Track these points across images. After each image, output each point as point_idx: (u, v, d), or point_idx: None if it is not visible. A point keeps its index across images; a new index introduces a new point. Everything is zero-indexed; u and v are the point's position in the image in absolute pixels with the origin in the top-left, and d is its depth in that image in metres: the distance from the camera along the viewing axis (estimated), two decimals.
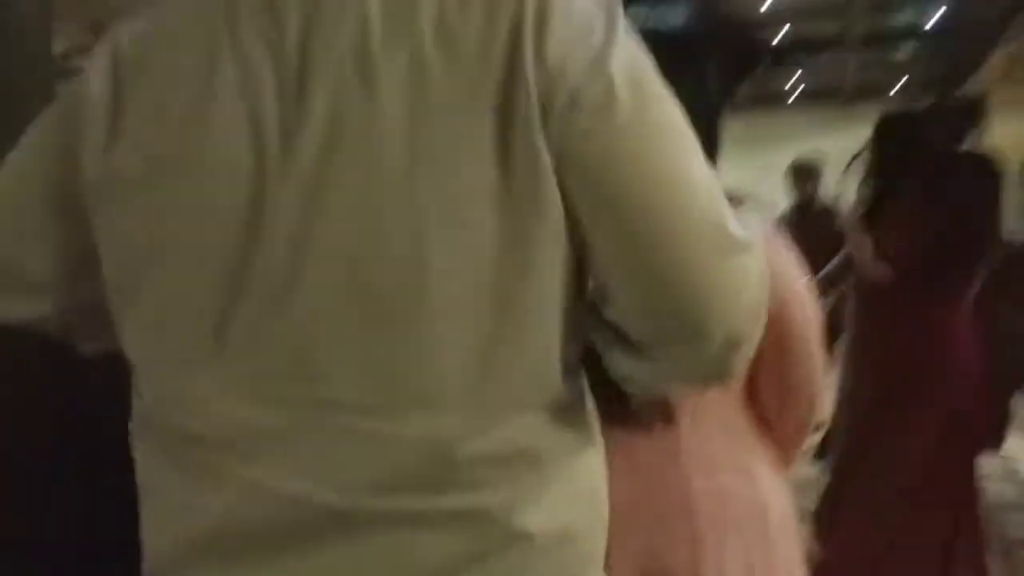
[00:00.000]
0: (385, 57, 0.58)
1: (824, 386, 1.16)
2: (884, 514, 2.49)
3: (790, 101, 9.02)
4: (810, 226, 4.04)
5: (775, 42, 6.57)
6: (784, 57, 6.85)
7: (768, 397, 1.10)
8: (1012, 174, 7.06)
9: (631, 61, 0.61)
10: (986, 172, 2.99)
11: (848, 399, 2.72)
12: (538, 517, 0.63)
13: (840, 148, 10.11)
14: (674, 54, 0.92)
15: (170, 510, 0.66)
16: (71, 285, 0.70)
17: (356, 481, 0.61)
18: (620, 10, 0.63)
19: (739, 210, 0.70)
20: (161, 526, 0.67)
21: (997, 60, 7.28)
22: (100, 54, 0.65)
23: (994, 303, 3.00)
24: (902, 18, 6.01)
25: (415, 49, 0.58)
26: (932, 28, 6.13)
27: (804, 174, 4.89)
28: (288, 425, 0.61)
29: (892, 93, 8.53)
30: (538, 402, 0.63)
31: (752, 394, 1.09)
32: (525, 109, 0.57)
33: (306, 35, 0.60)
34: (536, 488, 0.64)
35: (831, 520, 2.57)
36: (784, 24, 6.27)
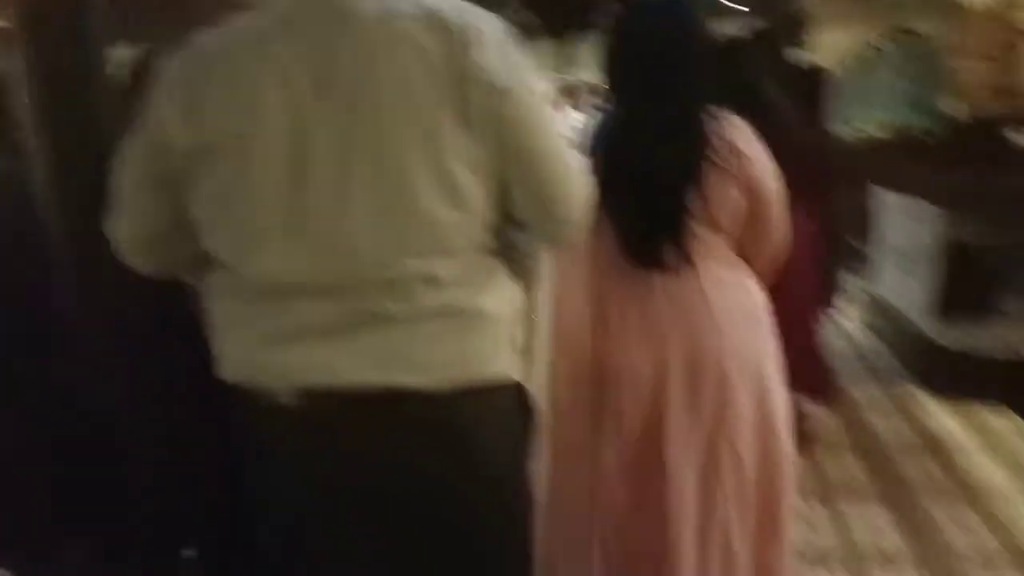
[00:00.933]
0: (387, 58, 1.03)
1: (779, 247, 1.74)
2: None
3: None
4: None
5: None
6: None
7: (750, 241, 1.65)
8: (831, 80, 7.54)
9: (520, 66, 1.08)
10: (788, 85, 3.45)
11: None
12: (488, 304, 1.12)
13: None
14: None
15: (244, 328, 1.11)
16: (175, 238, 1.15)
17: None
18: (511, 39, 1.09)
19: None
20: (237, 342, 1.12)
21: None
22: (168, 68, 1.09)
23: (823, 191, 3.42)
24: None
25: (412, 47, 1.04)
26: None
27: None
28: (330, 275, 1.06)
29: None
30: (471, 247, 1.11)
31: (740, 239, 1.63)
32: (474, 90, 1.04)
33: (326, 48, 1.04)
34: (479, 292, 1.12)
35: None
36: None
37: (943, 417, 3.50)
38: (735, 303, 1.62)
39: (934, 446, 3.21)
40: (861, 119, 10.77)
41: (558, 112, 1.65)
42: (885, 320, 4.65)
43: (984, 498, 2.75)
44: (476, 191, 1.07)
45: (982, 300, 4.06)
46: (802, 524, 2.65)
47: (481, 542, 1.17)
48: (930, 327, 3.95)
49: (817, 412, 3.22)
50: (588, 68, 8.56)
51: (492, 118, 1.05)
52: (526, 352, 1.59)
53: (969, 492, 2.81)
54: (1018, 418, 3.38)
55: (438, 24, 1.03)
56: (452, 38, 1.03)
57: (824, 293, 3.40)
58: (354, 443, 1.09)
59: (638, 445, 1.57)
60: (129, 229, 1.15)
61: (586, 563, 1.61)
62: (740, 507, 1.58)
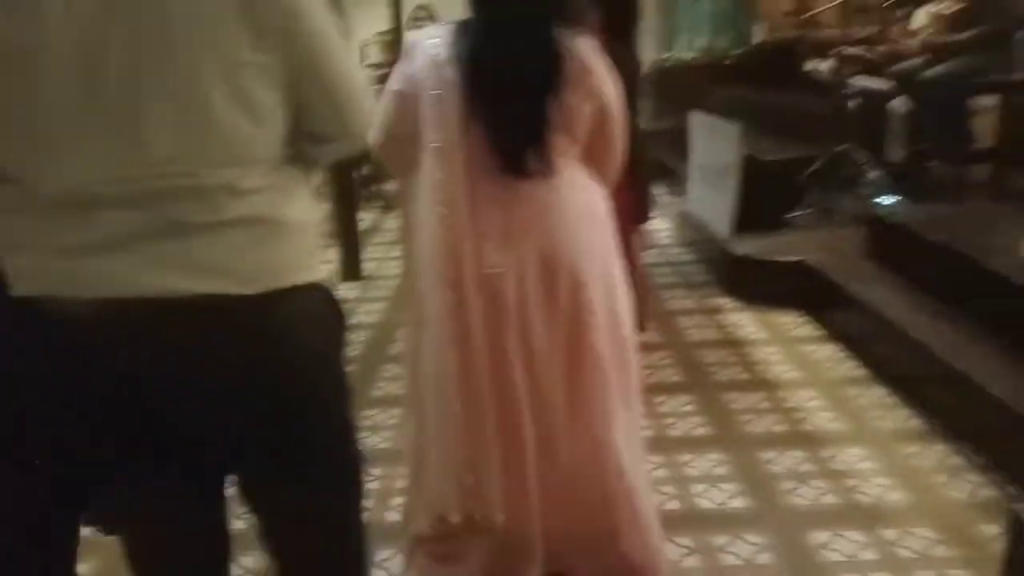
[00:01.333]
0: None
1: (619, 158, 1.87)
2: None
3: None
4: None
5: None
6: None
7: (598, 150, 1.78)
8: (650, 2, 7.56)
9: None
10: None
11: None
12: (291, 213, 1.18)
13: None
14: None
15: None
16: None
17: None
18: None
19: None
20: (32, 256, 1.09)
21: None
22: None
23: (633, 115, 3.59)
24: None
25: None
26: None
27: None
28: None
29: None
30: (271, 158, 1.16)
31: (587, 150, 1.76)
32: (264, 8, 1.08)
33: None
34: (282, 202, 1.17)
35: None
36: None
37: (741, 318, 3.89)
38: (587, 207, 1.77)
39: (733, 344, 3.57)
40: (678, 43, 11.30)
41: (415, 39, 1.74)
42: (695, 233, 5.02)
43: (773, 387, 3.12)
44: (272, 104, 1.13)
45: (774, 213, 4.49)
46: None
47: (303, 440, 1.22)
48: (729, 238, 4.33)
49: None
50: None
51: (284, 36, 1.10)
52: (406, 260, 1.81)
53: (762, 383, 3.17)
54: (805, 317, 3.82)
55: None
56: None
57: (639, 211, 3.62)
58: (162, 350, 1.10)
59: (505, 341, 1.67)
60: None
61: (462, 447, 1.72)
62: (603, 398, 1.74)
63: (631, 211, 3.40)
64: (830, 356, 3.39)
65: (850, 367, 3.27)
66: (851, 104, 5.05)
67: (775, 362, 3.37)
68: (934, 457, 2.56)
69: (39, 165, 1.05)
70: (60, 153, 1.04)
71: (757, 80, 7.66)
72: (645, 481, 1.93)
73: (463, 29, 1.69)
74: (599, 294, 1.73)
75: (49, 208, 1.06)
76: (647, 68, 10.57)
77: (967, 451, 2.55)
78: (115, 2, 1.02)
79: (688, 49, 11.02)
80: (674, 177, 6.20)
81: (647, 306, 3.56)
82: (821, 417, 2.86)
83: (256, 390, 1.15)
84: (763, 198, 4.42)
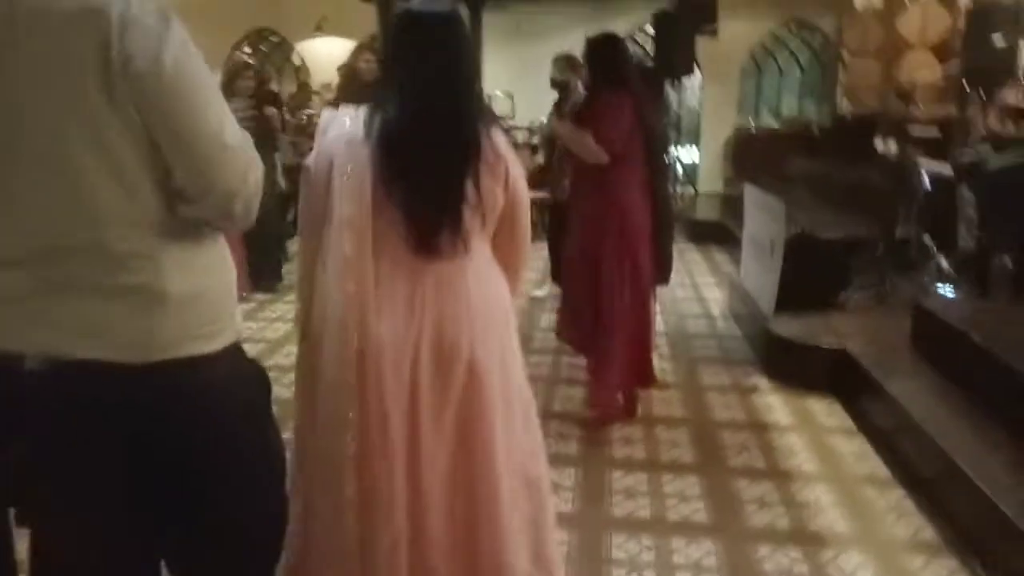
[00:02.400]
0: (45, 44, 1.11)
1: (528, 243, 1.90)
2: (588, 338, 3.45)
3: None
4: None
5: None
6: None
7: (504, 240, 1.83)
8: (735, 70, 7.85)
9: (176, 52, 1.15)
10: (655, 87, 3.92)
11: (572, 248, 3.54)
12: (172, 287, 1.20)
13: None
14: None
15: None
16: None
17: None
18: (173, 22, 1.16)
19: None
20: None
21: None
22: None
23: (654, 179, 3.65)
24: None
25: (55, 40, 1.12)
26: None
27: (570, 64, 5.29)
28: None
29: None
30: (145, 222, 1.19)
31: (496, 239, 1.81)
32: (115, 75, 1.12)
33: None
34: (167, 272, 1.19)
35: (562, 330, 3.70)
36: None
37: (772, 401, 3.78)
38: (492, 297, 1.78)
39: (757, 427, 3.47)
40: (763, 110, 11.21)
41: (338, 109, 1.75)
42: (743, 307, 4.93)
43: (786, 479, 3.01)
44: (138, 164, 1.17)
45: (823, 292, 4.37)
46: (622, 494, 2.88)
47: (224, 508, 1.28)
48: (771, 315, 4.24)
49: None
50: (489, 45, 8.58)
51: (141, 93, 1.14)
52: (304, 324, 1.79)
53: (777, 472, 3.07)
54: (838, 406, 3.69)
55: (94, 12, 1.12)
56: (104, 25, 1.12)
57: (657, 273, 3.67)
58: (56, 408, 1.18)
59: (398, 421, 1.67)
60: None
61: (340, 528, 1.68)
62: (487, 487, 1.72)
63: (654, 271, 3.46)
64: (855, 451, 3.26)
65: (873, 464, 3.13)
66: (919, 187, 4.91)
67: (796, 451, 3.25)
68: (939, 573, 2.42)
69: None
70: None
71: (836, 153, 7.53)
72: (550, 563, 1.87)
73: (378, 110, 1.71)
74: (497, 385, 1.73)
75: None
76: (730, 133, 10.55)
77: (975, 567, 2.40)
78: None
79: (772, 117, 10.91)
80: (738, 246, 6.12)
81: (651, 381, 3.59)
82: (829, 516, 2.75)
83: (141, 458, 1.20)
84: (812, 277, 4.32)
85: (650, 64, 4.41)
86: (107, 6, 1.12)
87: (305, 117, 7.68)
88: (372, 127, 1.68)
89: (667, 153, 4.08)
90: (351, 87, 5.38)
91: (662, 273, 3.70)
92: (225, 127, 1.22)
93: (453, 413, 1.71)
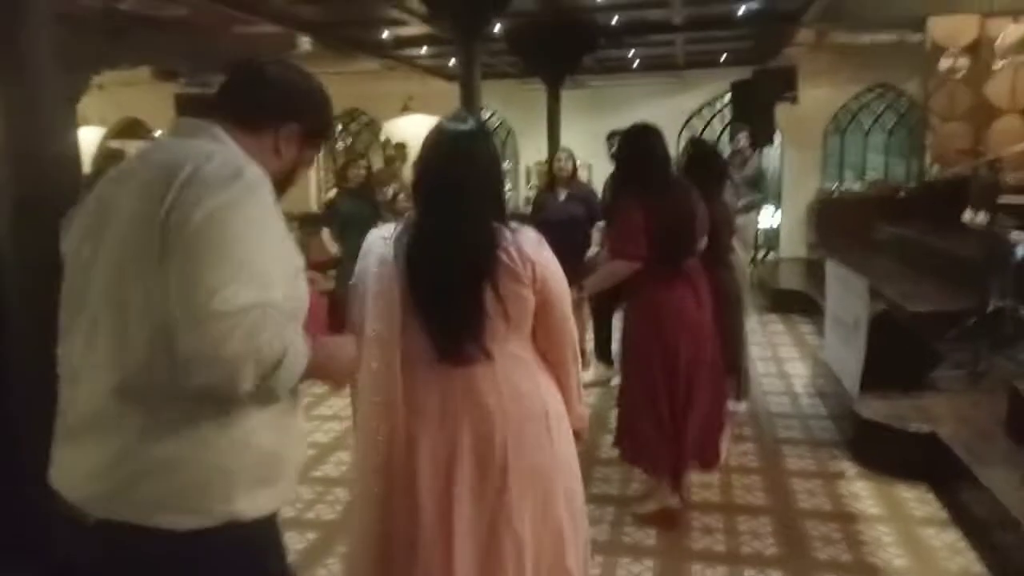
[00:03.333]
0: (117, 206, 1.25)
1: (572, 336, 1.91)
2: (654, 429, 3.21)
3: (630, 72, 9.73)
4: None
5: (611, 24, 7.10)
6: (617, 39, 7.37)
7: (543, 337, 1.86)
8: (817, 134, 7.80)
9: (215, 208, 1.17)
10: (714, 169, 3.86)
11: (627, 347, 3.41)
12: (162, 450, 1.21)
13: (676, 112, 10.71)
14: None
15: None
16: None
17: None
18: (239, 180, 1.20)
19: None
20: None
21: (805, 35, 8.03)
22: None
23: (725, 269, 3.65)
24: (716, 8, 6.59)
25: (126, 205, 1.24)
26: (743, 16, 6.73)
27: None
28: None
29: (722, 61, 9.31)
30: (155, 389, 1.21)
31: (536, 336, 1.85)
32: (155, 227, 1.18)
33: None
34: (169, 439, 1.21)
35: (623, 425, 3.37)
36: (615, 12, 6.81)
37: (860, 488, 3.65)
38: (526, 395, 1.81)
39: (845, 518, 3.36)
40: (848, 174, 11.02)
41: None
42: (827, 385, 4.81)
43: (875, 574, 2.90)
44: (139, 327, 1.20)
45: (912, 371, 4.22)
46: None
47: None
48: (857, 396, 4.11)
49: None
50: (569, 118, 8.79)
51: (165, 249, 1.17)
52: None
53: (865, 567, 2.96)
54: (930, 494, 3.53)
55: (164, 177, 1.21)
56: (172, 179, 1.20)
57: (725, 361, 3.59)
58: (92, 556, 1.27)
59: (433, 520, 1.73)
60: None
61: None
62: None
63: (719, 359, 3.39)
64: (950, 544, 3.11)
65: (968, 560, 2.98)
66: (1012, 257, 4.73)
67: (886, 544, 3.13)
68: None
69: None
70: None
71: (924, 218, 7.32)
72: None
73: (407, 228, 1.80)
74: (530, 487, 1.76)
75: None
76: (813, 197, 10.40)
77: None
78: (93, 229, 1.29)
79: (857, 181, 10.70)
80: (823, 316, 5.99)
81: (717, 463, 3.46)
82: None
83: None
84: (899, 354, 4.19)
85: (705, 145, 4.43)
86: (183, 162, 1.20)
87: (391, 192, 8.00)
88: (400, 244, 1.77)
89: (727, 237, 4.02)
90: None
91: (727, 361, 3.62)
92: (226, 290, 1.13)
93: (488, 518, 1.74)
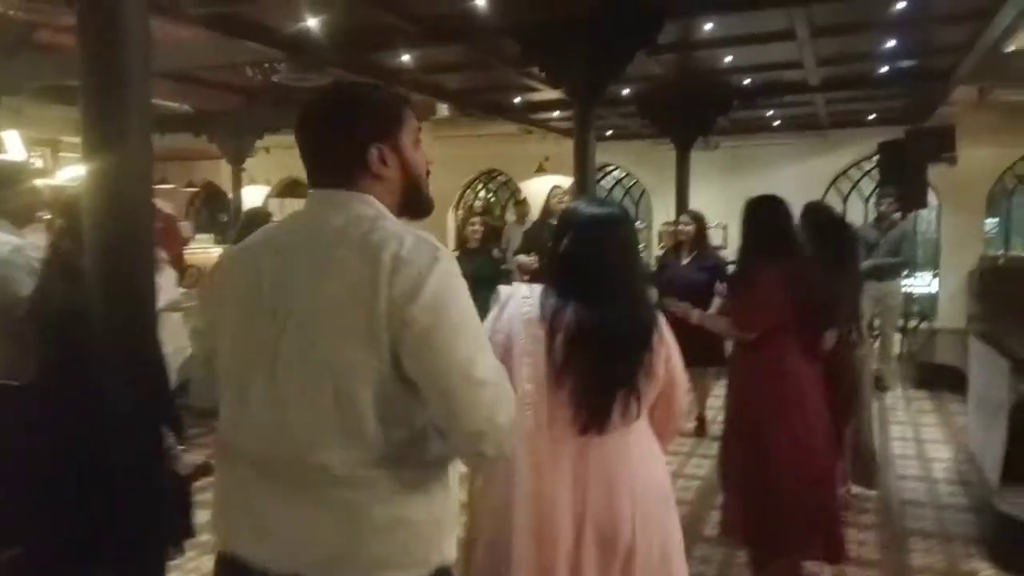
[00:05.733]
0: (324, 276, 1.25)
1: (685, 411, 2.05)
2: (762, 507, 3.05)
3: (769, 131, 9.48)
4: None
5: (743, 85, 6.99)
6: (751, 101, 7.23)
7: (662, 414, 1.94)
8: (980, 197, 7.29)
9: (437, 289, 1.21)
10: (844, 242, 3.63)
11: (734, 420, 3.32)
12: (382, 511, 1.24)
13: (819, 173, 10.29)
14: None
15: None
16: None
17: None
18: (441, 259, 1.23)
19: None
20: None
21: (965, 92, 7.52)
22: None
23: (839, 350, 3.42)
24: (855, 68, 6.33)
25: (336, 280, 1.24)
26: (884, 75, 6.43)
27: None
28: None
29: (870, 118, 8.88)
30: (386, 456, 1.23)
31: (654, 413, 1.92)
32: (379, 313, 1.20)
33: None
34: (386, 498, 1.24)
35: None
36: (748, 74, 6.71)
37: None
38: (655, 478, 1.87)
39: None
40: (1015, 240, 10.13)
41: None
42: (968, 472, 4.38)
43: None
44: (369, 399, 1.21)
45: None
46: None
47: None
48: (997, 487, 3.72)
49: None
50: (704, 178, 8.67)
51: (396, 336, 1.19)
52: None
53: None
54: None
55: (369, 255, 1.22)
56: (373, 266, 1.20)
57: (838, 440, 3.36)
58: None
59: None
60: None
61: None
62: None
63: (831, 442, 3.18)
64: None
65: None
66: None
67: None
68: None
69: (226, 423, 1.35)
70: (228, 413, 1.35)
71: None
72: None
73: (555, 293, 1.85)
74: (653, 566, 1.77)
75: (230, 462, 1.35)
76: (975, 265, 9.61)
77: None
78: (281, 297, 1.27)
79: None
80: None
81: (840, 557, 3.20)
82: None
83: None
84: None
85: (824, 211, 4.19)
86: (383, 245, 1.22)
87: (505, 244, 8.16)
88: (546, 310, 1.84)
89: (851, 309, 3.75)
90: (543, 218, 6.06)
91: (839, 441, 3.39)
92: (477, 361, 1.22)
93: None
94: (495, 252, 5.93)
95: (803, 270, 3.07)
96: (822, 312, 3.11)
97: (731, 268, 5.00)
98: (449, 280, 1.23)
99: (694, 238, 5.49)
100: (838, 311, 3.35)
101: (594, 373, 1.79)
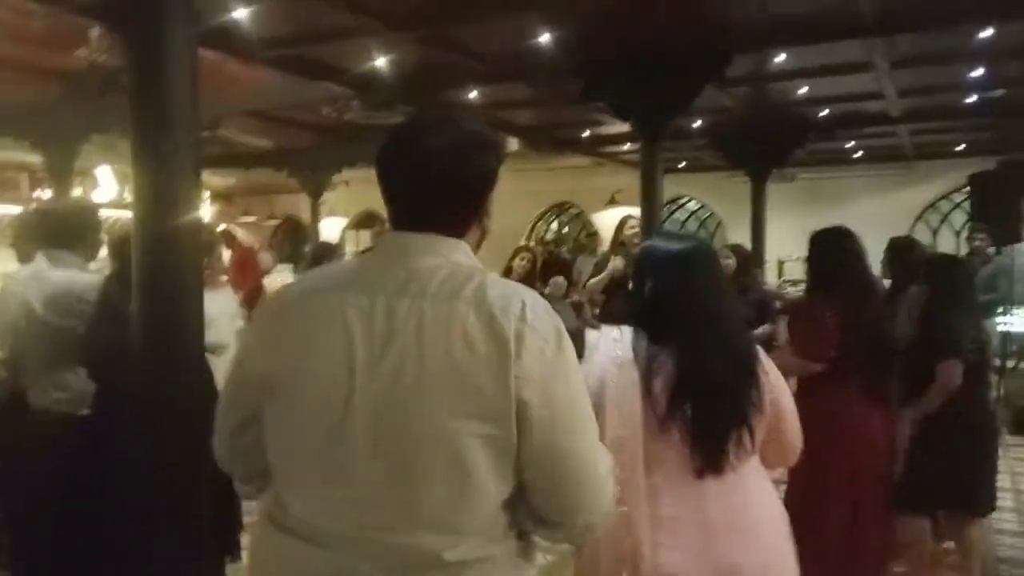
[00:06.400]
0: (436, 333, 1.09)
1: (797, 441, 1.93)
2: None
3: (850, 163, 9.17)
4: None
5: (820, 117, 6.79)
6: (828, 132, 7.01)
7: (773, 447, 1.87)
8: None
9: (567, 375, 1.13)
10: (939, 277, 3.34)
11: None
12: None
13: (905, 205, 9.84)
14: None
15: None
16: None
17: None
18: (564, 339, 1.12)
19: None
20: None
21: None
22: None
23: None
24: (939, 98, 6.08)
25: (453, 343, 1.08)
26: (971, 106, 6.15)
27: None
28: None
29: (959, 149, 8.49)
30: (487, 532, 1.12)
31: (766, 448, 1.82)
32: (508, 392, 1.07)
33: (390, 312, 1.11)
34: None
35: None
36: (825, 105, 6.52)
37: None
38: (773, 513, 1.80)
39: None
40: None
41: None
42: None
43: None
44: (490, 478, 1.09)
45: None
46: None
47: None
48: None
49: None
50: (781, 210, 8.43)
51: (526, 420, 1.08)
52: None
53: None
54: None
55: (487, 315, 1.08)
56: (496, 331, 1.07)
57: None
58: None
59: None
60: (225, 457, 1.32)
61: None
62: None
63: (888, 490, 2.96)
64: None
65: None
66: None
67: None
68: None
69: (289, 494, 1.17)
70: (304, 488, 1.14)
71: None
72: None
73: (646, 336, 1.78)
74: None
75: (287, 531, 1.17)
76: None
77: None
78: (384, 350, 1.09)
79: None
80: None
81: None
82: None
83: None
84: None
85: (907, 247, 3.91)
86: (506, 310, 1.09)
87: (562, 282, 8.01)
88: (639, 354, 1.77)
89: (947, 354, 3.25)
90: (614, 244, 5.79)
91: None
92: (599, 455, 1.17)
93: None
94: (546, 289, 5.68)
95: (863, 305, 2.89)
96: (886, 352, 2.91)
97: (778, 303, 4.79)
98: (572, 363, 1.15)
99: (735, 272, 5.25)
100: (953, 343, 3.08)
101: (705, 416, 1.72)
